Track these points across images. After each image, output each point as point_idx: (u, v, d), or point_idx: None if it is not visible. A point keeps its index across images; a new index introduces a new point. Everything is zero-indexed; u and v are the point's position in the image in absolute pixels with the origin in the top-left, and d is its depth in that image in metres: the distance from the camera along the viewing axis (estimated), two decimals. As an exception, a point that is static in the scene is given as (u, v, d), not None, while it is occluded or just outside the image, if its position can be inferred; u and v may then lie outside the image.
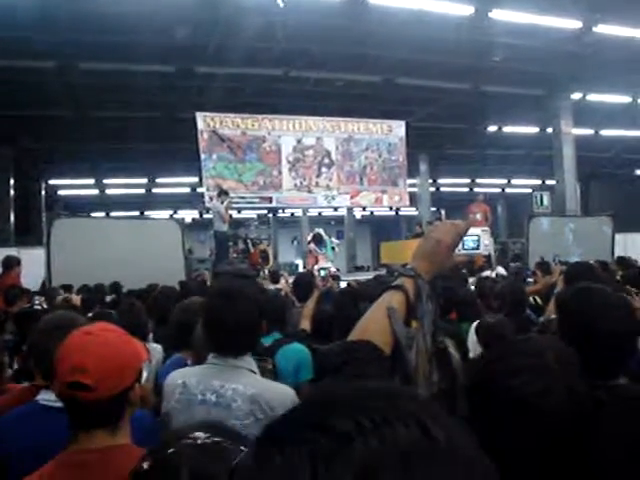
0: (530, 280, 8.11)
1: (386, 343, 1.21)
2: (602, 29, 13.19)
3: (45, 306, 5.43)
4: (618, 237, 15.14)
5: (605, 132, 21.65)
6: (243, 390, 2.23)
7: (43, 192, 23.89)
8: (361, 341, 1.22)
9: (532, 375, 1.20)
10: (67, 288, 7.79)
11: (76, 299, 5.43)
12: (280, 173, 16.15)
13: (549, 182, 23.43)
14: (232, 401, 2.22)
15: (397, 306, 1.27)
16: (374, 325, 1.26)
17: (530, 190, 25.55)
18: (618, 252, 13.62)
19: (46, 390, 2.01)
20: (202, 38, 12.96)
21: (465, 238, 1.52)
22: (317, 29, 12.59)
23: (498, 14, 12.50)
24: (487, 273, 8.78)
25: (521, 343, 1.44)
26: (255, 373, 2.35)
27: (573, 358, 1.33)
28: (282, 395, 2.26)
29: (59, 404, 1.93)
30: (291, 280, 9.70)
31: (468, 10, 12.22)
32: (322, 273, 11.54)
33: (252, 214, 26.36)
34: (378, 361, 1.18)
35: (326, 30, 12.65)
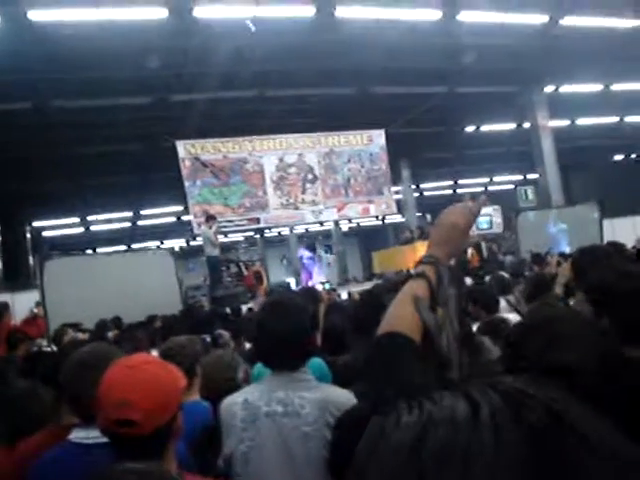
0: (527, 274, 8.17)
1: (415, 332, 1.21)
2: (569, 21, 13.39)
3: (54, 347, 5.36)
4: (605, 223, 15.26)
5: (580, 121, 21.91)
6: (310, 396, 2.22)
7: (28, 235, 23.79)
8: (391, 333, 1.22)
9: (568, 343, 1.22)
10: (76, 326, 7.73)
11: (83, 337, 5.39)
12: (265, 193, 16.16)
13: (530, 176, 23.64)
14: (300, 408, 2.20)
15: (421, 294, 1.27)
16: (401, 315, 1.26)
17: (513, 186, 25.79)
18: (607, 238, 13.72)
19: (78, 428, 2.00)
20: (175, 67, 13.03)
21: (478, 219, 1.53)
22: (288, 47, 12.68)
23: (465, 16, 12.67)
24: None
25: (548, 318, 1.45)
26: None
27: (595, 324, 1.35)
28: (347, 398, 2.25)
29: (94, 440, 1.93)
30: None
31: (436, 15, 12.38)
32: (326, 286, 11.55)
33: (239, 237, 26.39)
34: (410, 350, 1.18)
35: (297, 47, 12.75)
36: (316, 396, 2.22)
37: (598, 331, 1.29)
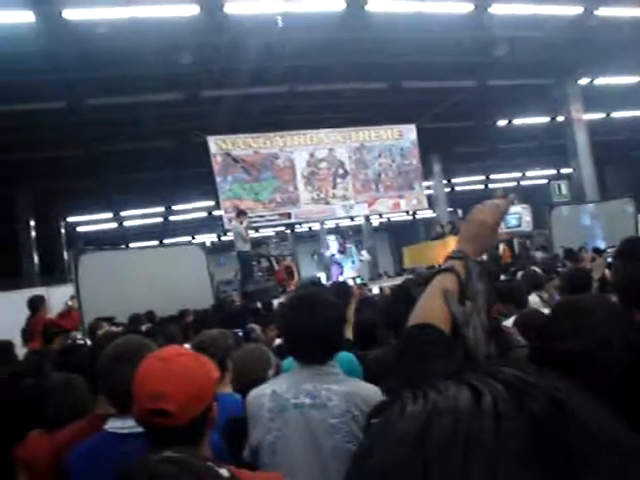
0: (560, 270, 8.06)
1: (445, 324, 1.25)
2: (603, 12, 13.17)
3: (88, 341, 5.46)
4: (640, 218, 15.01)
5: (616, 114, 21.51)
6: (337, 389, 2.25)
7: (63, 230, 24.21)
8: (421, 324, 1.26)
9: (587, 333, 1.22)
10: (110, 320, 7.85)
11: (117, 331, 5.47)
12: (296, 188, 16.19)
13: (564, 171, 23.31)
14: (328, 400, 2.23)
15: (450, 287, 1.31)
16: (431, 307, 1.30)
17: (546, 180, 25.44)
18: (643, 233, 13.48)
19: (114, 418, 2.03)
20: (206, 63, 13.11)
21: (507, 216, 1.58)
22: (319, 42, 12.69)
23: (497, 8, 12.55)
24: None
25: (573, 305, 1.46)
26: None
27: (622, 313, 1.35)
28: (374, 392, 2.29)
29: (130, 430, 1.96)
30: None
31: (467, 7, 12.28)
32: (358, 281, 11.56)
33: (270, 232, 26.47)
34: (441, 341, 1.22)
35: (328, 42, 12.74)
36: (343, 389, 2.26)
37: (628, 322, 1.29)
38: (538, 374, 0.50)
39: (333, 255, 16.08)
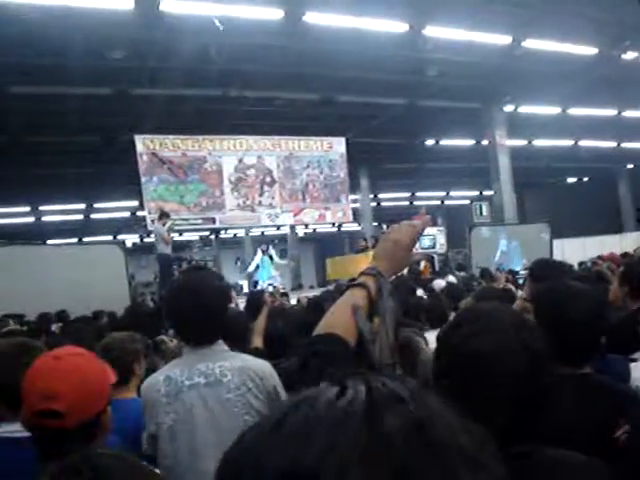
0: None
1: (350, 336, 1.27)
2: (530, 43, 13.66)
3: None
4: (555, 243, 15.63)
5: (537, 142, 22.38)
6: (230, 365, 2.33)
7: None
8: (327, 334, 1.28)
9: (488, 335, 1.25)
10: (19, 318, 7.52)
11: (21, 329, 5.24)
12: (222, 193, 16.05)
13: (486, 193, 24.03)
14: (222, 376, 2.30)
15: (360, 302, 1.32)
16: (339, 319, 1.32)
17: (468, 201, 26.16)
18: (556, 257, 14.03)
19: (6, 422, 1.93)
20: (138, 60, 12.83)
21: (422, 237, 1.61)
22: (255, 49, 12.64)
23: (432, 31, 12.80)
24: (440, 282, 8.95)
25: (476, 310, 1.51)
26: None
27: (528, 322, 1.40)
28: (265, 365, 2.43)
29: (23, 434, 1.85)
30: (239, 300, 9.68)
31: (403, 27, 12.48)
32: (270, 289, 11.57)
33: (194, 236, 26.10)
34: (344, 352, 1.23)
35: (264, 49, 12.71)
36: (235, 364, 2.34)
37: (528, 329, 1.33)
38: (402, 380, 0.54)
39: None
